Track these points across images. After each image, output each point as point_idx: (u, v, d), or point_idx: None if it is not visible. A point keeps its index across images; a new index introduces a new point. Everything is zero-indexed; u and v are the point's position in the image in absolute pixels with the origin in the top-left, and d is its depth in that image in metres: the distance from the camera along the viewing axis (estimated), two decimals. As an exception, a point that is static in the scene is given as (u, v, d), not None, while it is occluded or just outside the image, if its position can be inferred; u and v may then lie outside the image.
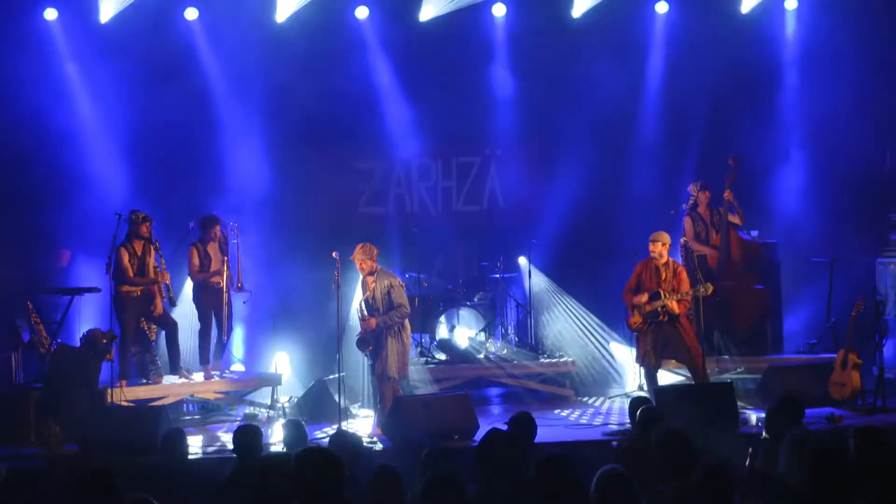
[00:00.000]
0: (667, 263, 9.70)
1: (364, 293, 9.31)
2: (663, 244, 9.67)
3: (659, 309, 9.54)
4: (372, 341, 9.23)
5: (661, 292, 9.55)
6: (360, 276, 9.36)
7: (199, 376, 10.54)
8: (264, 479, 4.70)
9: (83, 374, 9.18)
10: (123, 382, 9.97)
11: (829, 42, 12.08)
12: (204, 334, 10.59)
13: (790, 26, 12.42)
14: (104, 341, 9.35)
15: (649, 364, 9.74)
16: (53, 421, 8.80)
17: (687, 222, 11.02)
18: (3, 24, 10.75)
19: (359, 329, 9.36)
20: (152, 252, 10.06)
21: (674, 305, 9.52)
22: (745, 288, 11.05)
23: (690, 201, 11.12)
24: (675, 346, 9.69)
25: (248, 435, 6.18)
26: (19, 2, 11.14)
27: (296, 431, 6.86)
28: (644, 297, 9.63)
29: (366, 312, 9.23)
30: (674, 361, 10.25)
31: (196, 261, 10.49)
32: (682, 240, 10.73)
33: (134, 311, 10.06)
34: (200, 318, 10.59)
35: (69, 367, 9.13)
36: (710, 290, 9.62)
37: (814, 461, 4.55)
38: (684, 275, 9.75)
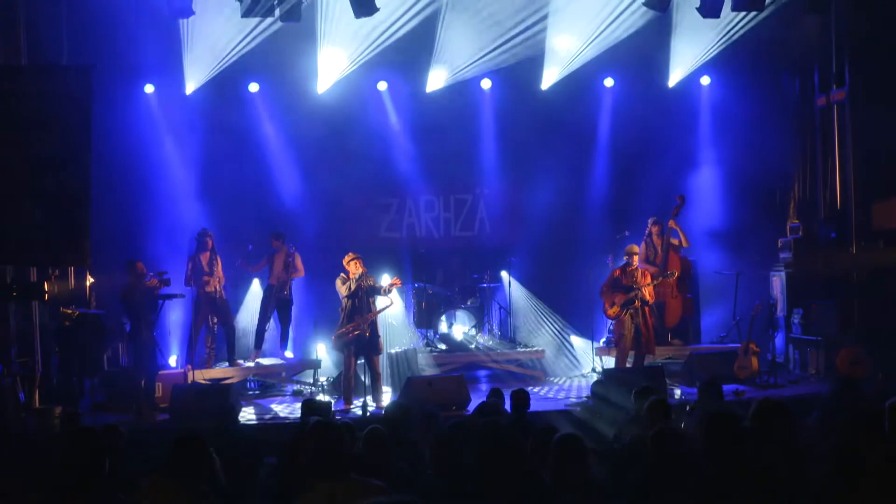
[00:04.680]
0: (637, 268, 9.91)
1: (355, 288, 9.20)
2: (636, 255, 9.99)
3: (634, 299, 9.69)
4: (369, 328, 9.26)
5: (635, 287, 9.77)
6: (350, 276, 9.26)
7: (267, 360, 10.65)
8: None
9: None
10: (189, 367, 9.96)
11: (732, 107, 12.22)
12: (260, 326, 10.63)
13: (704, 96, 12.54)
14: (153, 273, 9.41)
15: (624, 346, 9.85)
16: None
17: (642, 247, 11.13)
18: (114, 96, 10.78)
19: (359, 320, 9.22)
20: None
21: (645, 293, 9.81)
22: (676, 295, 11.15)
23: (647, 231, 11.24)
24: (640, 335, 9.85)
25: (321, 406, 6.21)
26: (128, 80, 11.18)
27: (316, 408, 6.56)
28: (620, 296, 9.81)
29: (357, 303, 9.20)
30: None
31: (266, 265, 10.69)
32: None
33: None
34: (260, 315, 10.65)
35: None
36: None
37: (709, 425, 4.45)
38: (648, 275, 10.03)
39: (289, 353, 11.03)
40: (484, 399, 7.02)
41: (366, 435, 4.80)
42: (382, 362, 9.88)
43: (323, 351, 10.86)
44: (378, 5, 10.14)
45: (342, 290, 9.29)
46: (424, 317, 11.37)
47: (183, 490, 4.14)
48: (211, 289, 10.27)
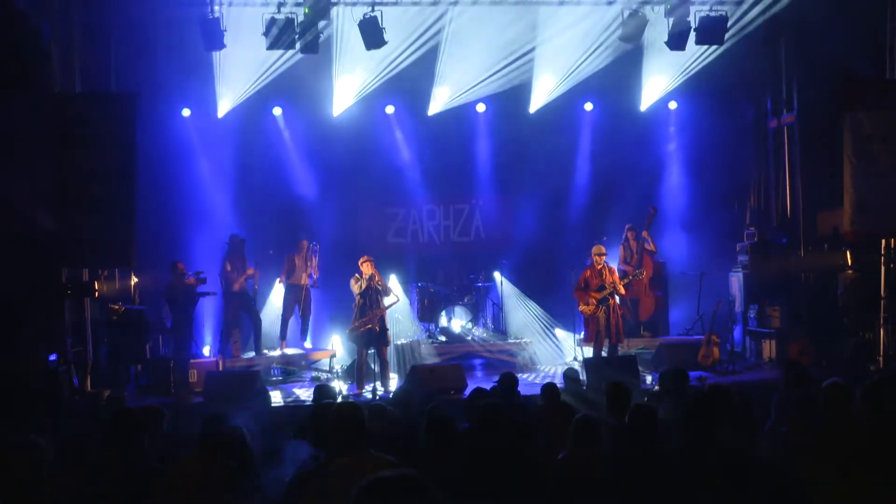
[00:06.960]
0: (604, 266, 9.87)
1: (366, 286, 9.22)
2: (601, 254, 9.92)
3: (608, 296, 9.67)
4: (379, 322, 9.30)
5: (606, 285, 9.70)
6: (363, 276, 9.27)
7: (290, 350, 10.70)
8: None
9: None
10: (220, 356, 10.00)
11: (696, 129, 12.29)
12: (284, 320, 10.67)
13: (672, 118, 12.61)
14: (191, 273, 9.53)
15: (601, 339, 9.82)
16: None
17: (620, 250, 11.15)
18: (157, 119, 10.82)
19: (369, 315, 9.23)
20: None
21: (621, 288, 9.80)
22: (648, 293, 11.20)
23: (624, 236, 11.25)
24: (610, 326, 9.81)
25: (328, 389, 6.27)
26: (168, 105, 11.23)
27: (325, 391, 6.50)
28: (595, 294, 9.77)
29: (369, 300, 9.20)
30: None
31: (287, 267, 10.65)
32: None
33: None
34: (284, 310, 10.69)
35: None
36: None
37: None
38: (615, 271, 10.00)
39: (308, 344, 11.08)
40: (479, 383, 7.04)
41: (370, 409, 4.90)
42: (390, 352, 9.93)
43: (338, 342, 10.93)
44: (386, 39, 10.22)
45: (355, 288, 9.35)
46: (427, 312, 11.42)
47: (211, 463, 4.19)
48: (240, 288, 10.32)
